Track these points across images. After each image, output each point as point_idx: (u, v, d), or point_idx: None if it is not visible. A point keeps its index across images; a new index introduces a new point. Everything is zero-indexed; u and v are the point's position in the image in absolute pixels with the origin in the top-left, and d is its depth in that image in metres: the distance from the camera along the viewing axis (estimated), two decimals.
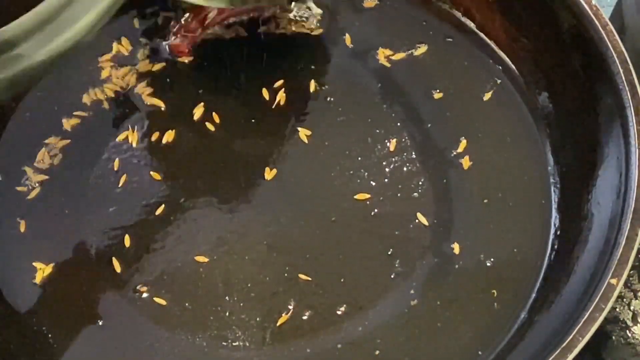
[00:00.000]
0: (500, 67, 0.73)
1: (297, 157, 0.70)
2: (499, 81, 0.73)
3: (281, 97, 0.72)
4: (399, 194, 0.68)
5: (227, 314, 0.63)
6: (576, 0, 0.66)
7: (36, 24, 0.55)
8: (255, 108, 0.72)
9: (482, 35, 0.75)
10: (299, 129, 0.71)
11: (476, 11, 0.75)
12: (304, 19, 0.74)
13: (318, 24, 0.75)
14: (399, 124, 0.71)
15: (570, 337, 0.55)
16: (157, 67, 0.74)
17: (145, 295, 0.64)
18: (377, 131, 0.71)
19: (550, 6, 0.69)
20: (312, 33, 0.75)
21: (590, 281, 0.59)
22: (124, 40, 0.75)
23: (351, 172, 0.69)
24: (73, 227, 0.67)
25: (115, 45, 0.74)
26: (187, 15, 0.72)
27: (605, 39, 0.65)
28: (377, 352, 0.62)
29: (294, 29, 0.75)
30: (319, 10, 0.75)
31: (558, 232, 0.66)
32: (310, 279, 0.64)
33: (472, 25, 0.75)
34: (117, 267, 0.65)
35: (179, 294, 0.64)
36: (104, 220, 0.67)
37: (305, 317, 0.63)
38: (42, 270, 0.65)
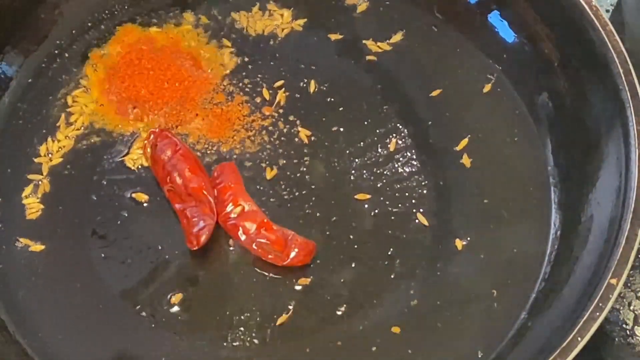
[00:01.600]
0: (500, 67, 0.73)
1: (297, 157, 0.70)
2: (498, 81, 0.73)
3: (281, 97, 0.72)
4: (398, 194, 0.68)
5: (227, 313, 0.63)
6: (576, 0, 0.66)
7: None
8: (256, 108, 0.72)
9: (482, 34, 0.75)
10: (299, 129, 0.71)
11: (476, 11, 0.75)
12: None
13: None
14: (398, 123, 0.71)
15: (570, 337, 0.55)
16: None
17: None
18: (377, 131, 0.71)
19: (550, 6, 0.70)
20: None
21: (590, 281, 0.59)
22: None
23: (351, 172, 0.69)
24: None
25: None
26: None
27: (605, 39, 0.65)
28: (378, 353, 0.62)
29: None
30: None
31: (558, 232, 0.66)
32: (310, 278, 0.64)
33: (472, 25, 0.75)
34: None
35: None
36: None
37: (305, 317, 0.63)
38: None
